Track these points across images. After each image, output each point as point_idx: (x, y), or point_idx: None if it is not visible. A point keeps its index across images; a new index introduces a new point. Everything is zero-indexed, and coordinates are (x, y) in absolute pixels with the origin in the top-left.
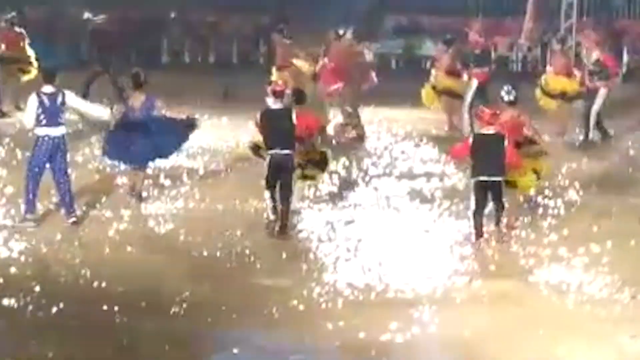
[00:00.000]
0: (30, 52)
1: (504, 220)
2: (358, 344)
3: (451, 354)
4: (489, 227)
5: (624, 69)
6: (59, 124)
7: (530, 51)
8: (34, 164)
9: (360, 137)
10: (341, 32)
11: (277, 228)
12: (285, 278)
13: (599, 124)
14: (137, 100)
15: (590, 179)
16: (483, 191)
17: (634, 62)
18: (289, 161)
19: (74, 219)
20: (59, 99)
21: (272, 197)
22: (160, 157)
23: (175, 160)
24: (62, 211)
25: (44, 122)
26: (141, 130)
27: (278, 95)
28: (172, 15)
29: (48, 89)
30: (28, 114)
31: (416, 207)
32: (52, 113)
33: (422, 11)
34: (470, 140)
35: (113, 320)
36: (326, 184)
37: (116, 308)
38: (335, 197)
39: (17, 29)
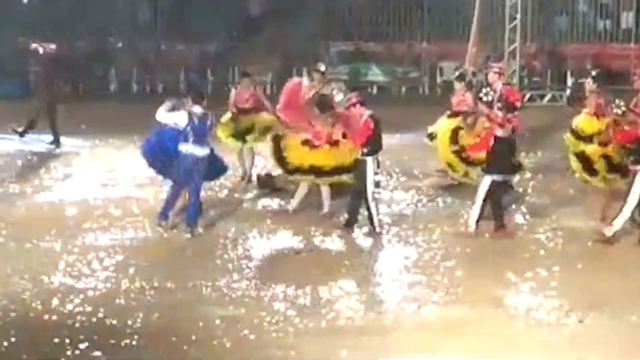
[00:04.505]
0: None
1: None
2: None
3: None
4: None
5: (568, 93)
6: (205, 144)
7: (474, 76)
8: (182, 181)
9: None
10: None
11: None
12: (235, 307)
13: None
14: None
15: (537, 203)
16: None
17: (577, 86)
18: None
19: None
20: (208, 121)
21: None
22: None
23: (124, 190)
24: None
25: (191, 140)
26: None
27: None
28: (119, 44)
29: (198, 109)
30: (168, 118)
31: (364, 233)
32: (200, 133)
33: (367, 38)
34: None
35: (64, 353)
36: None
37: (67, 340)
38: (284, 226)
39: None
